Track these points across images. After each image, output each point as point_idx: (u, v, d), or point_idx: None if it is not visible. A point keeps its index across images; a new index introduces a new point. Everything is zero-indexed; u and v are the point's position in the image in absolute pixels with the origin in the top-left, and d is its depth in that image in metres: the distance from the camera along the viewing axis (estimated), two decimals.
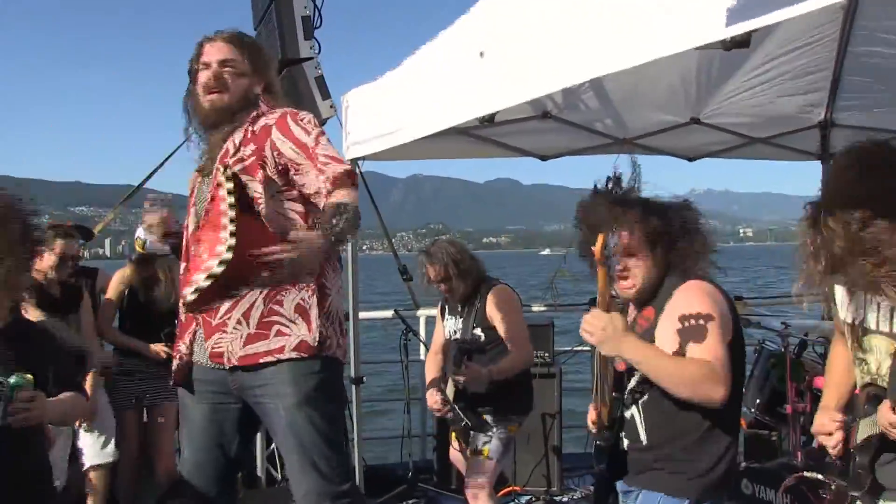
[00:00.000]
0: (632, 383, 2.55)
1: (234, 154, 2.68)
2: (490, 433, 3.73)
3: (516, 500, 5.23)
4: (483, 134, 4.90)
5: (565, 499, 5.19)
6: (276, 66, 3.03)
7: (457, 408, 3.72)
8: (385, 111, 3.86)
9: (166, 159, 5.63)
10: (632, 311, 2.63)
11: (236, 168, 2.63)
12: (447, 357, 3.93)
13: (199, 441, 2.78)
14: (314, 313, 2.62)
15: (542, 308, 6.31)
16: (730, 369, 2.30)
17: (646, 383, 2.46)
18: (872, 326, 2.06)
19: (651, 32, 2.22)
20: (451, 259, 3.85)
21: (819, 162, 5.75)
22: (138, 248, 4.51)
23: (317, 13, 4.85)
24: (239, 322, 2.61)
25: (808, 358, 4.42)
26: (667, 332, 2.41)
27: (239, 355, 2.61)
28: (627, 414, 2.57)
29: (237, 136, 2.72)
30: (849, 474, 2.12)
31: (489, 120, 3.08)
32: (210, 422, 2.75)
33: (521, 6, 2.75)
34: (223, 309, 2.63)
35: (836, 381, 2.32)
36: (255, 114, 2.77)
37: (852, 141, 2.07)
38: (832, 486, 2.21)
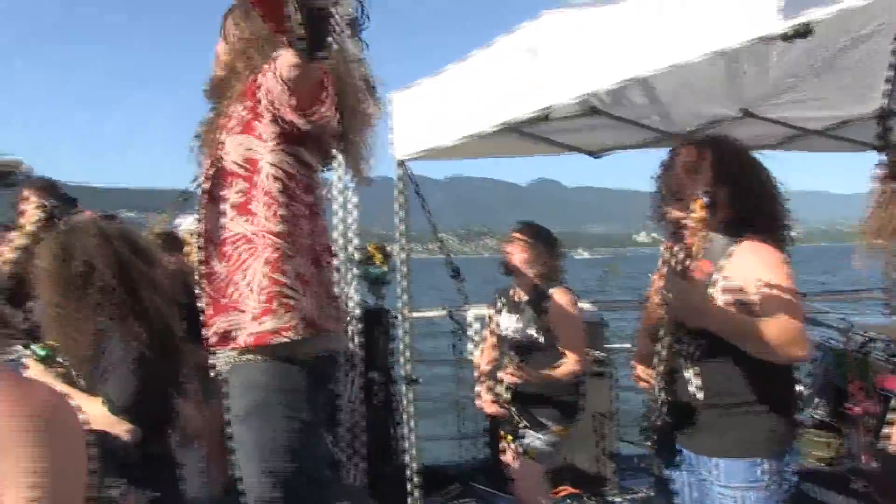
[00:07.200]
0: (683, 337, 2.54)
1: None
2: (540, 434, 3.70)
3: (571, 502, 5.19)
4: (531, 131, 4.86)
5: (620, 500, 5.13)
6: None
7: (509, 406, 3.70)
8: (435, 110, 3.86)
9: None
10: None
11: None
12: (501, 355, 3.90)
13: None
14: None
15: (590, 306, 6.23)
16: None
17: (702, 338, 2.46)
18: None
19: (705, 27, 2.18)
20: (543, 244, 3.81)
21: (876, 153, 5.61)
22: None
23: (362, 12, 4.83)
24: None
25: (874, 356, 4.29)
26: (732, 290, 2.43)
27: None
28: (682, 370, 2.58)
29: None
30: None
31: (543, 118, 3.05)
32: None
33: (575, 8, 2.73)
34: None
35: None
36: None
37: None
38: None
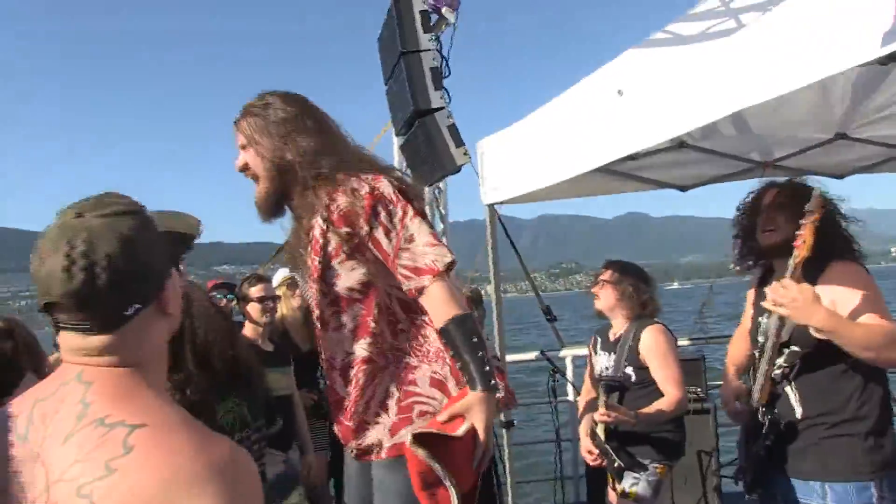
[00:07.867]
0: (781, 359, 2.64)
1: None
2: (641, 473, 3.63)
3: None
4: (619, 169, 4.84)
5: None
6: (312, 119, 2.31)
7: (608, 448, 3.65)
8: (523, 155, 3.88)
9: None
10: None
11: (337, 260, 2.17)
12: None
13: None
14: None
15: (687, 342, 6.09)
16: None
17: (796, 358, 2.60)
18: None
19: (800, 58, 2.15)
20: (631, 281, 3.79)
21: None
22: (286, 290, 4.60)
23: (444, 63, 4.95)
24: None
25: None
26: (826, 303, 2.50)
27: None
28: (782, 390, 2.66)
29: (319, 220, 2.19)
30: None
31: (631, 157, 3.06)
32: None
33: (659, 45, 2.74)
34: None
35: None
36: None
37: None
38: None
